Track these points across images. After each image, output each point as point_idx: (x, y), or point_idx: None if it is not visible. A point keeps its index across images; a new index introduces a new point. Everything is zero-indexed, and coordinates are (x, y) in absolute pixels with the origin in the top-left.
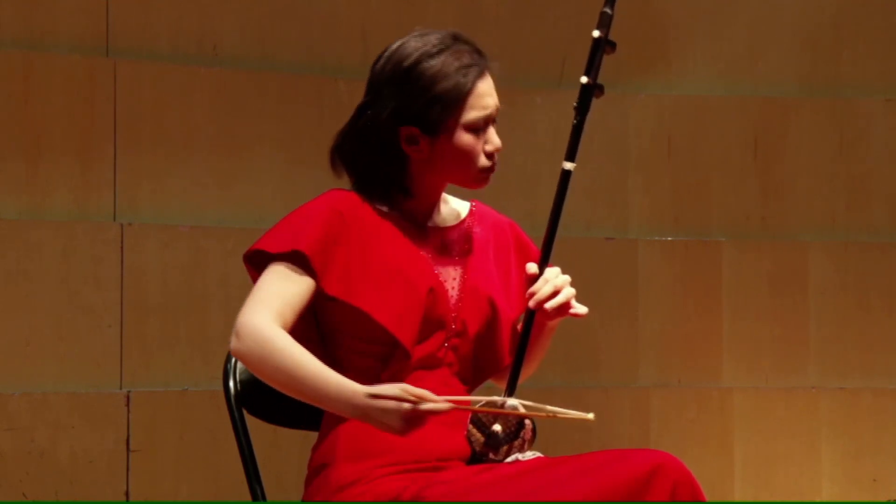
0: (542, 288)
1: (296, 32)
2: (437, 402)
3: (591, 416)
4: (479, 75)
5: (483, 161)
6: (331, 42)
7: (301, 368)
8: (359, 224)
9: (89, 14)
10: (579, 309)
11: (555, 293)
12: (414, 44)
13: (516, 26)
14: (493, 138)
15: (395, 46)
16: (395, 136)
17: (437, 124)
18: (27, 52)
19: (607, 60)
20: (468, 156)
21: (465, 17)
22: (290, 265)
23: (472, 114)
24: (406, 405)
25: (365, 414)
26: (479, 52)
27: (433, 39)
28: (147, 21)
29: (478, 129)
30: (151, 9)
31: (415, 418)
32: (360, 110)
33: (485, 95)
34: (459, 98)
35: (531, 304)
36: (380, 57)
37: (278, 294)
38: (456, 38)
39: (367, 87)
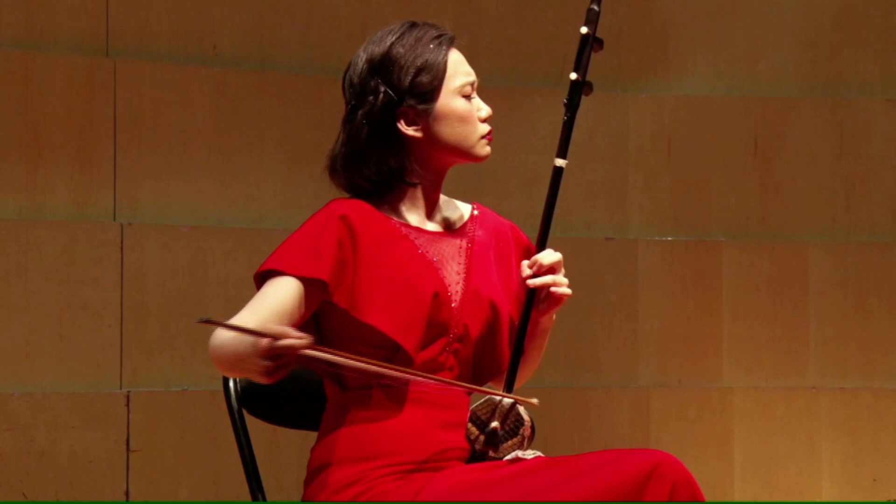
0: (543, 258)
1: (296, 32)
2: (295, 337)
3: (534, 400)
4: (451, 44)
5: (481, 127)
6: (331, 42)
7: (228, 341)
8: (365, 232)
9: (89, 14)
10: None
11: (550, 272)
12: (378, 40)
13: (516, 26)
14: (483, 105)
15: (358, 53)
16: (393, 122)
17: (429, 93)
18: (27, 52)
19: (608, 60)
20: (466, 121)
21: (465, 17)
22: (301, 285)
23: (458, 79)
24: (264, 341)
25: (253, 366)
26: (440, 28)
27: (394, 29)
28: (147, 21)
29: (467, 95)
30: (151, 9)
31: (273, 355)
32: (350, 115)
33: (462, 62)
34: (442, 64)
35: (529, 282)
36: (347, 71)
37: (262, 298)
38: (414, 23)
39: (349, 96)
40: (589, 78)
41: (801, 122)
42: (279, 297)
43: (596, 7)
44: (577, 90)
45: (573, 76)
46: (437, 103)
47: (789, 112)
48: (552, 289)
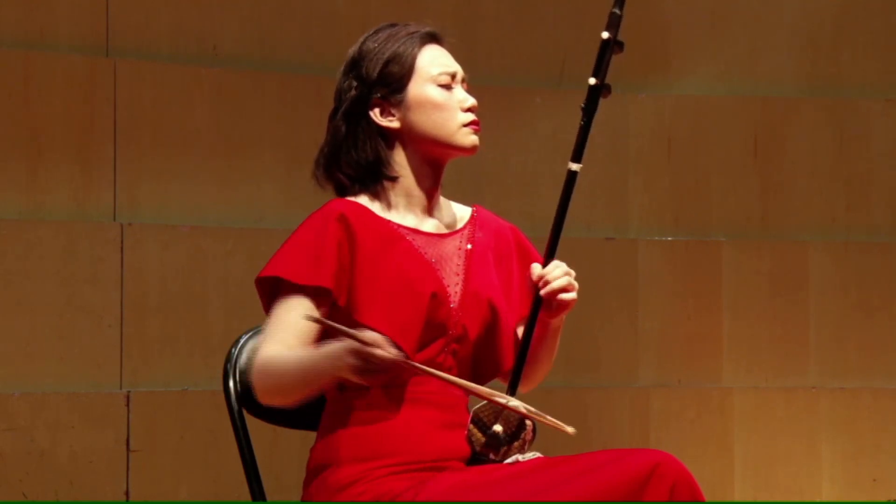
0: (552, 272)
1: (296, 32)
2: (387, 350)
3: (571, 430)
4: (426, 38)
5: (462, 116)
6: (331, 41)
7: (296, 366)
8: (363, 233)
9: (89, 14)
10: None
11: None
12: (355, 43)
13: (516, 26)
14: (466, 96)
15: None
16: (366, 114)
17: (399, 81)
18: (27, 52)
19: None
20: (441, 109)
21: (465, 17)
22: (307, 295)
23: (433, 68)
24: (357, 343)
25: (340, 362)
26: (419, 25)
27: (371, 30)
28: (147, 21)
29: (443, 84)
30: (151, 9)
31: (364, 357)
32: (332, 116)
33: (442, 55)
34: (412, 55)
35: (543, 291)
36: None
37: (286, 325)
38: (393, 23)
39: (334, 100)
40: None
41: (801, 122)
42: (292, 318)
43: (618, 11)
44: (596, 95)
45: (592, 81)
46: (409, 92)
47: (789, 112)
48: (560, 296)
